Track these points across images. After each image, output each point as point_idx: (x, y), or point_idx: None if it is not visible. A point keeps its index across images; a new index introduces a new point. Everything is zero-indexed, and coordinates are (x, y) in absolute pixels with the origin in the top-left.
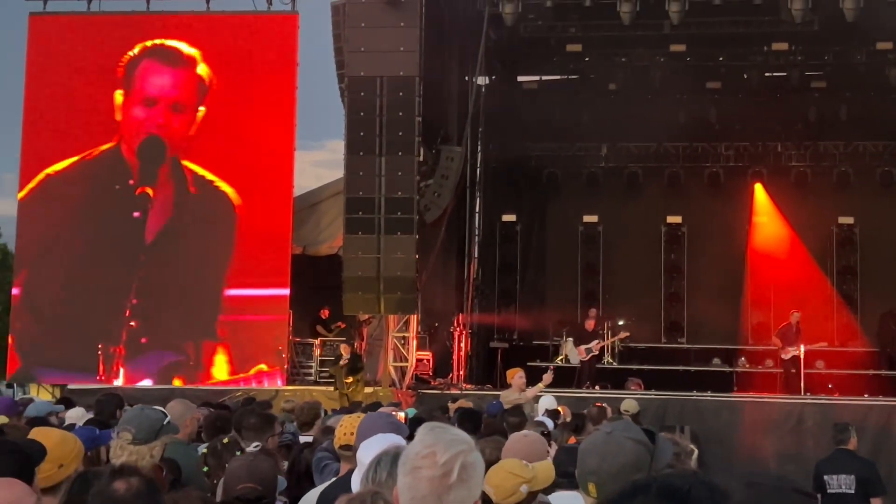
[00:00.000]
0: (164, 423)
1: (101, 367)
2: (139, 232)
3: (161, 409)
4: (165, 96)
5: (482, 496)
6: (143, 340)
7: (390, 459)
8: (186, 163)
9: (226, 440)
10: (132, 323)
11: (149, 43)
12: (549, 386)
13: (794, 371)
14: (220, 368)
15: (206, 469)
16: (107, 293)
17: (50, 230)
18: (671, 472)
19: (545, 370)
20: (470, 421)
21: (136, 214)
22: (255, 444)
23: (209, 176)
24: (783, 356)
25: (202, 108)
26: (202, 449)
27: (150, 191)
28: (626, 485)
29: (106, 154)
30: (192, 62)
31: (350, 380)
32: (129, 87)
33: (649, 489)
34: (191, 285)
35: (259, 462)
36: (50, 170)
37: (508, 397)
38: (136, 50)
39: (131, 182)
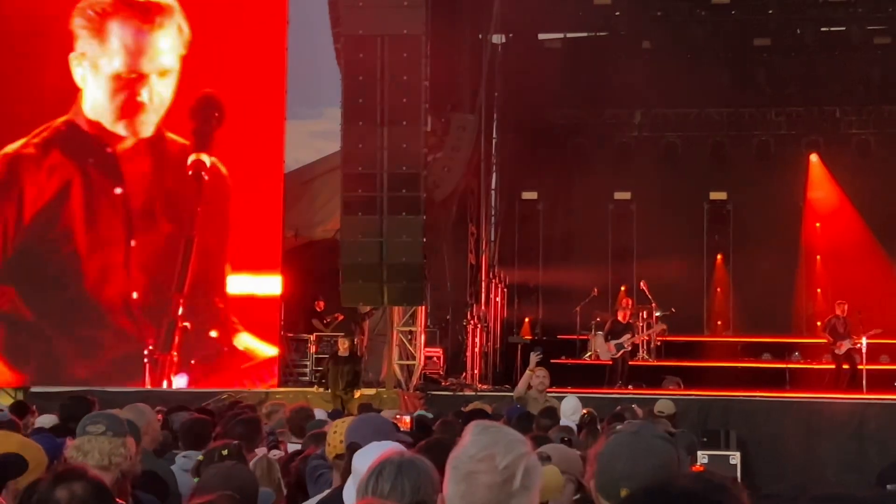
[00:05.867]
0: (126, 421)
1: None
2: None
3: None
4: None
5: None
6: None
7: (395, 468)
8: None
9: (225, 451)
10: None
11: None
12: (575, 385)
13: (846, 367)
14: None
15: (196, 480)
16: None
17: None
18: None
19: (537, 356)
20: None
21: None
22: None
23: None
24: (837, 351)
25: (173, 68)
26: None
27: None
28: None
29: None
30: (168, 12)
31: (352, 392)
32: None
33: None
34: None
35: (238, 470)
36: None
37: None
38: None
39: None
